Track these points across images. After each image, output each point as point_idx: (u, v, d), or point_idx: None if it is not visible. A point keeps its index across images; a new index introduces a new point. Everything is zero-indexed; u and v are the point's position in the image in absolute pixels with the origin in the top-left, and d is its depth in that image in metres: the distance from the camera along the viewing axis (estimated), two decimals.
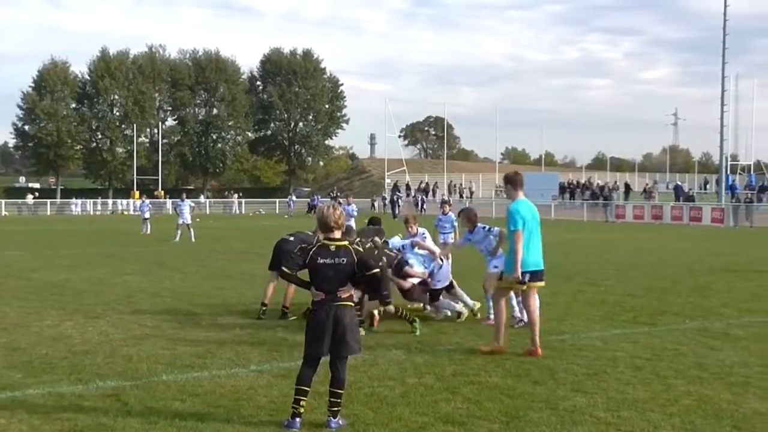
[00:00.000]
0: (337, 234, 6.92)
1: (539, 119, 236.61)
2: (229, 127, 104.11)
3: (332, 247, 6.86)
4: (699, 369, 8.97)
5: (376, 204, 69.36)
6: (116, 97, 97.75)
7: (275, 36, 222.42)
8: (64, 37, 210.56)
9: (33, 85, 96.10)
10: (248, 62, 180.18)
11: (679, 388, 8.11)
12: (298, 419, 6.80)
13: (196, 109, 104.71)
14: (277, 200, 73.58)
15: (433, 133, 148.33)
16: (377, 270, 7.11)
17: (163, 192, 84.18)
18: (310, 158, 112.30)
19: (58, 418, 7.01)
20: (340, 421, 6.82)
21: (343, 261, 6.81)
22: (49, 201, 73.64)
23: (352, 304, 7.00)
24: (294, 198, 73.61)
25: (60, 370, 8.81)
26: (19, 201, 73.88)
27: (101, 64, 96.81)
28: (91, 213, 68.38)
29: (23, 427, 6.76)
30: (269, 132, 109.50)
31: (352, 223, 23.24)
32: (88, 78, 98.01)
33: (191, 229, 31.34)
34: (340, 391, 6.83)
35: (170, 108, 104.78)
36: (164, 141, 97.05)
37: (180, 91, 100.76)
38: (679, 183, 67.92)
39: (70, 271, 19.24)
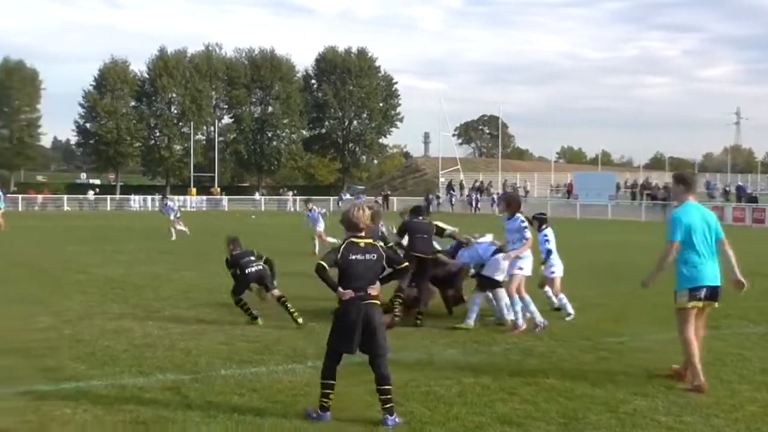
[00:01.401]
0: (362, 233, 7.17)
1: (595, 118, 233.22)
2: (284, 125, 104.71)
3: (361, 244, 7.10)
4: (764, 374, 8.77)
5: (433, 203, 69.13)
6: (174, 95, 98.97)
7: (329, 34, 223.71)
8: (124, 37, 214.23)
9: (94, 83, 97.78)
10: (303, 61, 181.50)
11: (744, 393, 7.94)
12: (328, 413, 6.96)
13: (252, 107, 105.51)
14: (331, 198, 73.86)
15: (488, 131, 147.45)
16: (406, 263, 7.58)
17: (219, 189, 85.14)
18: (364, 156, 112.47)
19: (121, 409, 7.14)
20: (397, 419, 6.85)
21: (373, 257, 7.07)
22: (108, 197, 75.01)
23: (380, 303, 7.14)
24: (348, 196, 73.88)
25: (122, 363, 8.98)
26: (81, 197, 75.42)
27: (159, 63, 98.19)
28: (149, 209, 69.44)
29: (87, 417, 6.90)
30: (323, 130, 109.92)
31: (321, 227, 24.49)
32: (147, 76, 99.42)
33: (173, 228, 31.00)
34: (387, 387, 6.90)
35: (226, 106, 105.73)
36: (220, 139, 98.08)
37: (236, 89, 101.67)
38: (741, 183, 66.56)
39: (129, 267, 19.59)
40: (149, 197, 74.26)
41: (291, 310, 11.50)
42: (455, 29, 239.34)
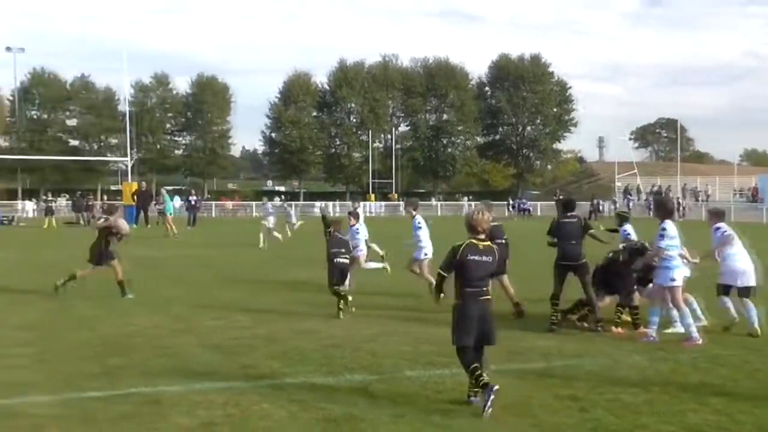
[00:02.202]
0: (482, 235, 7.75)
1: None
2: (459, 132, 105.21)
3: (480, 246, 7.67)
4: None
5: (604, 207, 67.14)
6: (353, 105, 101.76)
7: (501, 41, 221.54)
8: (305, 50, 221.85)
9: (279, 95, 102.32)
10: (476, 68, 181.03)
11: None
12: (495, 386, 7.33)
13: (427, 115, 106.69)
14: (506, 203, 73.37)
15: (665, 135, 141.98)
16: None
17: (396, 195, 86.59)
18: (538, 162, 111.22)
19: (314, 407, 7.50)
20: (478, 398, 7.45)
21: (489, 259, 7.66)
22: (293, 203, 78.07)
23: (491, 298, 7.70)
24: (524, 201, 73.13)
25: (312, 362, 9.40)
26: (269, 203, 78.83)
27: (339, 74, 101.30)
28: (331, 214, 71.56)
29: (284, 414, 7.30)
30: (498, 136, 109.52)
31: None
32: (328, 88, 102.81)
33: (271, 233, 29.47)
34: (481, 371, 7.45)
35: (403, 114, 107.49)
36: (397, 146, 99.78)
37: (412, 98, 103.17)
38: None
39: (314, 269, 20.21)
40: (330, 203, 76.66)
41: (340, 306, 12.87)
42: (630, 32, 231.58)
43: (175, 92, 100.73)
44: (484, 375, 7.40)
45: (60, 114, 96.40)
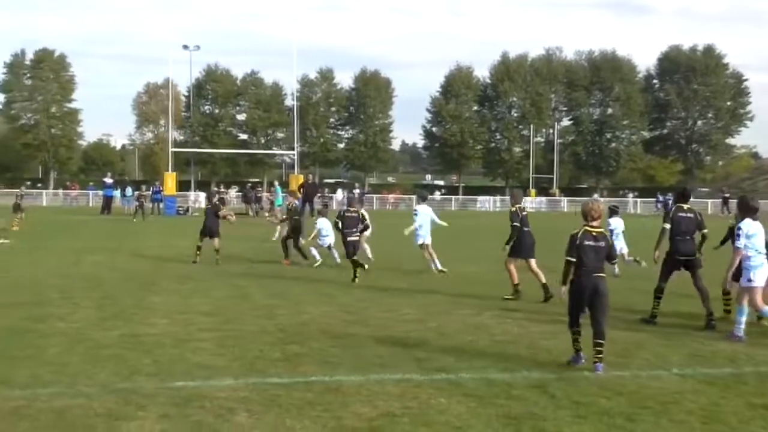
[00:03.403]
0: (596, 223, 8.91)
1: None
2: (624, 126, 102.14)
3: (594, 233, 8.83)
4: None
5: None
6: (514, 99, 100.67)
7: (671, 33, 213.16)
8: (467, 44, 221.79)
9: (440, 89, 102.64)
10: (644, 61, 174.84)
11: None
12: (581, 354, 8.91)
13: (591, 109, 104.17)
14: (654, 199, 70.27)
15: None
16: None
17: (557, 190, 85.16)
18: (708, 158, 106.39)
19: (491, 403, 7.42)
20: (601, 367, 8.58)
21: (601, 244, 8.82)
22: (453, 197, 78.33)
23: (605, 276, 8.85)
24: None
25: (487, 358, 9.33)
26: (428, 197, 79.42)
27: (501, 67, 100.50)
28: (490, 210, 71.26)
29: (461, 409, 7.26)
30: (665, 131, 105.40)
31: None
32: (489, 81, 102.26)
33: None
34: (601, 341, 8.67)
35: (565, 108, 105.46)
36: (559, 141, 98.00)
37: (575, 91, 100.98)
38: None
39: (479, 263, 20.17)
40: (489, 198, 76.36)
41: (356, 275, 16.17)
42: None
43: (338, 87, 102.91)
44: (579, 343, 8.91)
45: (230, 109, 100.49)
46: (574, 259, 8.77)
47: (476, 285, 15.98)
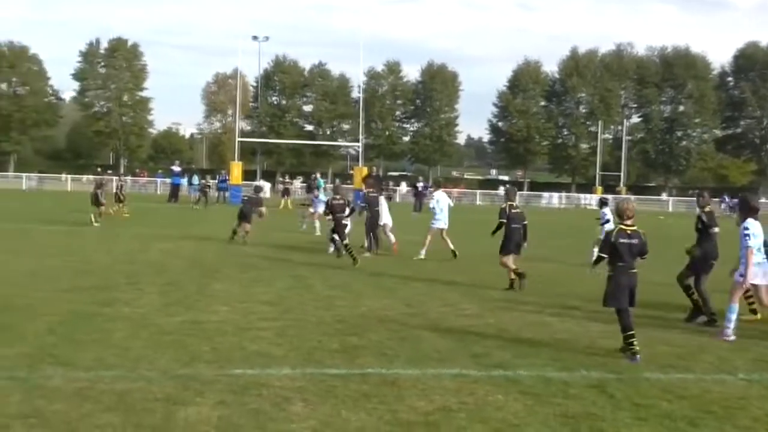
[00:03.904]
0: (629, 222, 9.34)
1: None
2: (695, 124, 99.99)
3: (628, 231, 9.30)
4: None
5: None
6: (583, 94, 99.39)
7: (748, 29, 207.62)
8: (535, 39, 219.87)
9: (507, 84, 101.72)
10: (719, 58, 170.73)
11: None
12: (638, 356, 9.07)
13: (662, 106, 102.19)
14: (719, 199, 68.45)
15: None
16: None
17: (624, 188, 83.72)
18: None
19: (549, 402, 7.34)
20: (637, 358, 9.03)
21: (635, 241, 9.25)
22: (518, 193, 77.78)
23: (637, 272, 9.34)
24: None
25: (545, 355, 9.23)
26: (492, 192, 78.95)
27: (570, 63, 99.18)
28: (557, 206, 70.58)
29: (518, 407, 7.19)
30: (738, 130, 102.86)
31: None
32: (558, 77, 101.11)
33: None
34: (631, 333, 9.15)
35: (635, 105, 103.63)
36: (627, 138, 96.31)
37: (646, 88, 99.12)
38: None
39: (544, 261, 19.91)
40: (555, 194, 75.62)
41: (351, 255, 18.00)
42: None
43: (405, 80, 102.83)
44: (635, 343, 9.15)
45: (297, 100, 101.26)
46: (605, 255, 9.42)
47: (538, 283, 15.77)
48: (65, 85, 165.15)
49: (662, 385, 8.02)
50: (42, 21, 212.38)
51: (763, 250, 10.96)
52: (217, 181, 53.65)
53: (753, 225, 10.71)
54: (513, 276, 14.89)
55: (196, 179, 52.48)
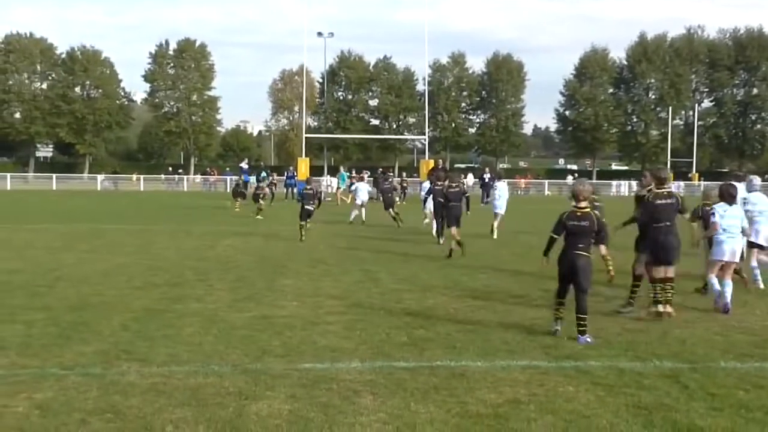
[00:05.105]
0: (583, 204, 9.57)
1: None
2: None
3: (578, 213, 9.54)
4: None
5: None
6: (652, 80, 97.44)
7: None
8: (603, 25, 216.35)
9: (574, 72, 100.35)
10: None
11: None
12: (558, 323, 9.72)
13: (734, 90, 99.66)
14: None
15: None
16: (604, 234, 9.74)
17: (696, 174, 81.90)
18: None
19: (621, 392, 7.23)
20: (588, 339, 9.28)
21: (585, 224, 9.45)
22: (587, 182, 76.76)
23: (587, 254, 9.49)
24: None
25: (617, 346, 9.10)
26: (560, 181, 78.14)
27: (639, 48, 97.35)
28: (625, 194, 69.34)
29: (590, 397, 7.10)
30: None
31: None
32: (625, 63, 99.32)
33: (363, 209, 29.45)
34: (583, 315, 9.37)
35: (707, 89, 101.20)
36: (699, 123, 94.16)
37: (718, 71, 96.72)
38: None
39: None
40: (624, 182, 74.45)
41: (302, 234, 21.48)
42: None
43: (470, 71, 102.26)
44: (561, 313, 9.67)
45: (363, 94, 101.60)
46: (556, 236, 9.68)
47: (601, 272, 15.50)
48: (136, 87, 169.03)
49: (738, 375, 7.84)
50: (113, 25, 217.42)
51: (733, 231, 11.72)
52: (285, 177, 54.11)
53: (722, 207, 11.83)
54: (451, 247, 17.82)
55: (264, 176, 53.01)
